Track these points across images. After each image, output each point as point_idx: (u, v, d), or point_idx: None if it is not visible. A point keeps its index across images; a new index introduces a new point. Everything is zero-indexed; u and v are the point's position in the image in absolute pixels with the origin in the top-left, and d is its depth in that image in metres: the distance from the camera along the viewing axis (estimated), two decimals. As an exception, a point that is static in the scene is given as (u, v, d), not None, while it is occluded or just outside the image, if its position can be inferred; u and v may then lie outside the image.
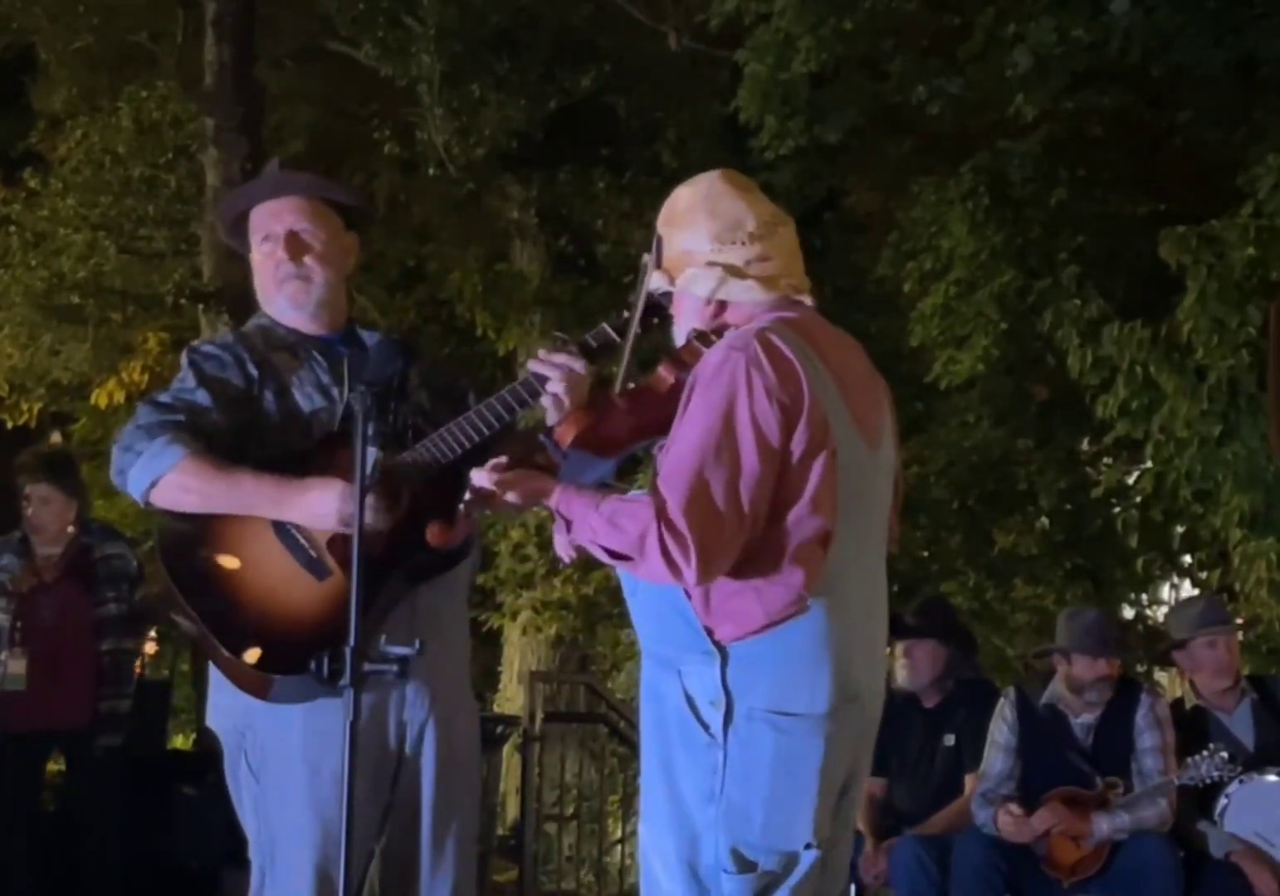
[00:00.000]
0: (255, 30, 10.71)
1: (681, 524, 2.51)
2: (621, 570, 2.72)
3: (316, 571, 2.99)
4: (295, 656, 2.90)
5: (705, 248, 2.74)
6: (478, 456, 3.09)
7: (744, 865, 2.62)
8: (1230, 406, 7.04)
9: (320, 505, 2.95)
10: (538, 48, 10.98)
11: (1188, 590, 9.21)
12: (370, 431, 2.74)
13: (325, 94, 12.34)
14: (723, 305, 2.76)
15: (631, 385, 2.78)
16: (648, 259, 2.83)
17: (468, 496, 2.71)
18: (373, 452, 2.77)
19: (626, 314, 2.97)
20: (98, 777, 5.73)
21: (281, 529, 3.01)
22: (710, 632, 2.62)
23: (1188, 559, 8.76)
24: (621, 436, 2.73)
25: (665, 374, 2.74)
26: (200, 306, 10.25)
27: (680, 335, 2.82)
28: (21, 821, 5.74)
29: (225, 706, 3.10)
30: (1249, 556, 7.03)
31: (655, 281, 2.82)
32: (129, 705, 5.81)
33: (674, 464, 2.57)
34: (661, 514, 2.52)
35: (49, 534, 5.76)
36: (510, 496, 2.69)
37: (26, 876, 5.69)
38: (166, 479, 2.99)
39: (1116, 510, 8.60)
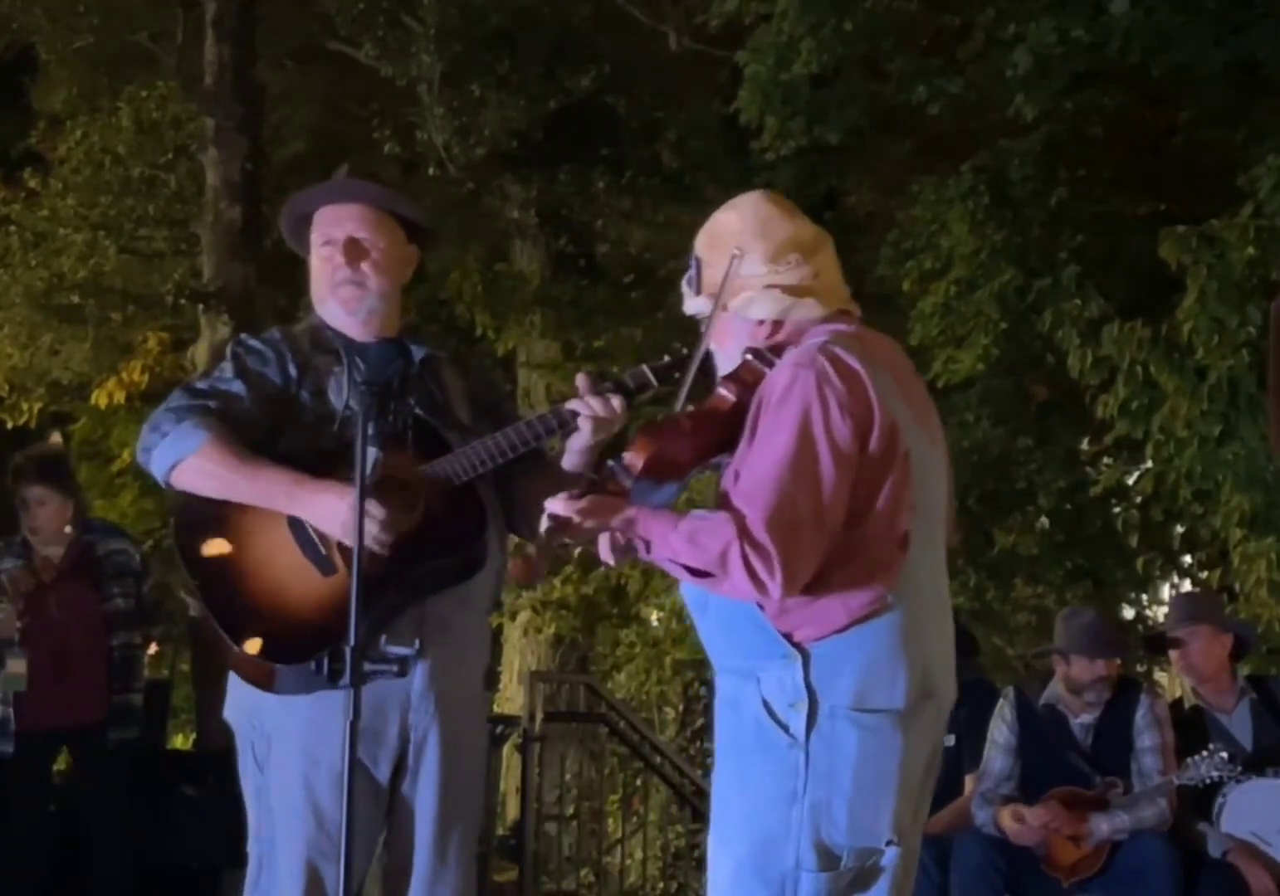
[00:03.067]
0: (255, 30, 10.70)
1: (765, 538, 2.53)
2: (692, 590, 2.74)
3: (323, 567, 3.02)
4: (292, 647, 2.96)
5: (761, 270, 2.76)
6: (493, 476, 3.11)
7: (827, 863, 2.64)
8: (1230, 406, 7.04)
9: (330, 513, 2.98)
10: (538, 48, 10.99)
11: (1187, 590, 9.21)
12: (370, 431, 2.76)
13: (325, 94, 12.34)
14: (778, 324, 2.79)
15: (690, 407, 2.80)
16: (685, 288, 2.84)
17: (545, 526, 2.69)
18: (373, 453, 2.78)
19: (668, 358, 3.07)
20: (107, 773, 5.74)
21: (295, 521, 3.04)
22: (789, 636, 2.64)
23: (1188, 559, 8.76)
24: (688, 458, 2.75)
25: (726, 394, 2.76)
26: (200, 306, 10.25)
27: (727, 356, 2.84)
28: (31, 820, 5.74)
29: (238, 699, 3.15)
30: (1249, 556, 7.03)
31: (698, 305, 2.84)
32: (141, 699, 5.84)
33: (753, 480, 2.60)
34: (743, 530, 2.54)
35: (48, 534, 5.77)
36: (588, 522, 2.67)
37: (33, 875, 5.70)
38: (189, 461, 3.03)
39: (1116, 510, 8.61)
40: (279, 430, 3.14)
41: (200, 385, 3.18)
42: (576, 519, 2.66)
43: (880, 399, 2.64)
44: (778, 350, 2.77)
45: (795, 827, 2.64)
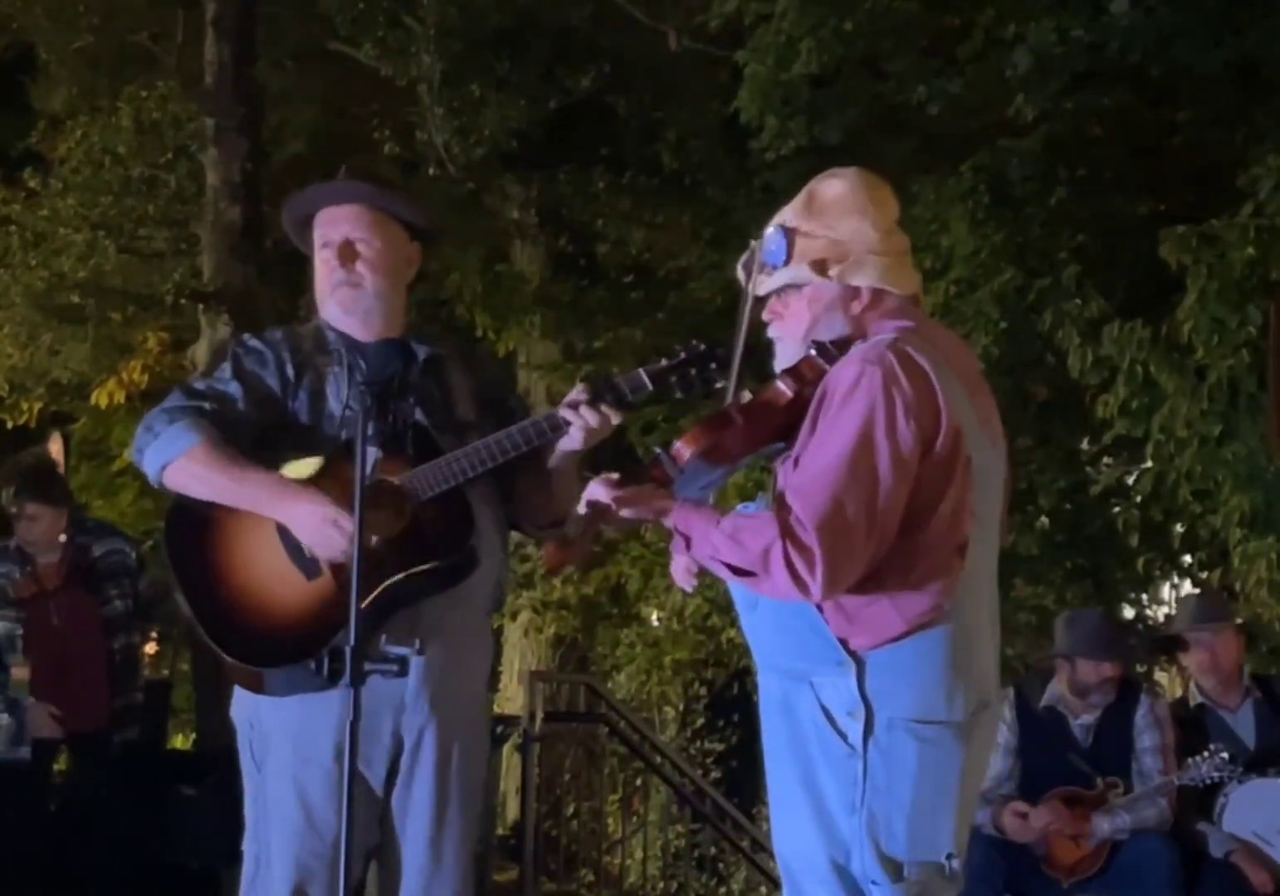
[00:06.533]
0: (255, 30, 10.70)
1: (809, 538, 2.48)
2: (738, 587, 2.70)
3: (308, 570, 3.03)
4: (275, 650, 3.00)
5: (874, 235, 2.69)
6: (482, 479, 3.11)
7: (891, 876, 2.60)
8: (1230, 406, 7.02)
9: (302, 520, 3.01)
10: (538, 48, 10.98)
11: (1188, 590, 9.21)
12: (370, 431, 2.76)
13: (325, 94, 12.33)
14: (878, 296, 2.70)
15: (746, 396, 2.74)
16: (741, 274, 2.77)
17: (584, 511, 2.64)
18: (373, 452, 2.78)
19: (664, 361, 3.03)
20: (107, 773, 5.74)
21: (283, 525, 3.05)
22: (844, 642, 2.59)
23: (1188, 559, 8.75)
24: (739, 449, 2.69)
25: (784, 388, 2.69)
26: (200, 306, 10.24)
27: (791, 341, 2.76)
28: (30, 820, 5.74)
29: (238, 698, 3.19)
30: (1249, 556, 7.02)
31: (790, 274, 2.73)
32: (141, 697, 5.84)
33: (808, 479, 2.54)
34: (787, 529, 2.49)
35: (42, 546, 5.75)
36: (627, 511, 2.63)
37: (32, 874, 5.70)
38: (178, 463, 3.07)
39: (1116, 510, 8.59)
40: (273, 431, 3.15)
41: (199, 385, 3.21)
42: (615, 507, 2.61)
43: (947, 402, 2.58)
44: (844, 347, 2.69)
45: (857, 838, 2.60)
